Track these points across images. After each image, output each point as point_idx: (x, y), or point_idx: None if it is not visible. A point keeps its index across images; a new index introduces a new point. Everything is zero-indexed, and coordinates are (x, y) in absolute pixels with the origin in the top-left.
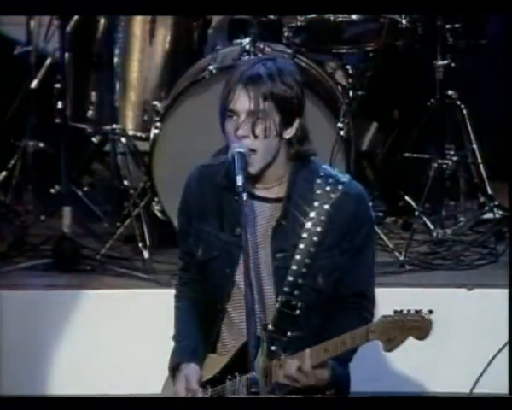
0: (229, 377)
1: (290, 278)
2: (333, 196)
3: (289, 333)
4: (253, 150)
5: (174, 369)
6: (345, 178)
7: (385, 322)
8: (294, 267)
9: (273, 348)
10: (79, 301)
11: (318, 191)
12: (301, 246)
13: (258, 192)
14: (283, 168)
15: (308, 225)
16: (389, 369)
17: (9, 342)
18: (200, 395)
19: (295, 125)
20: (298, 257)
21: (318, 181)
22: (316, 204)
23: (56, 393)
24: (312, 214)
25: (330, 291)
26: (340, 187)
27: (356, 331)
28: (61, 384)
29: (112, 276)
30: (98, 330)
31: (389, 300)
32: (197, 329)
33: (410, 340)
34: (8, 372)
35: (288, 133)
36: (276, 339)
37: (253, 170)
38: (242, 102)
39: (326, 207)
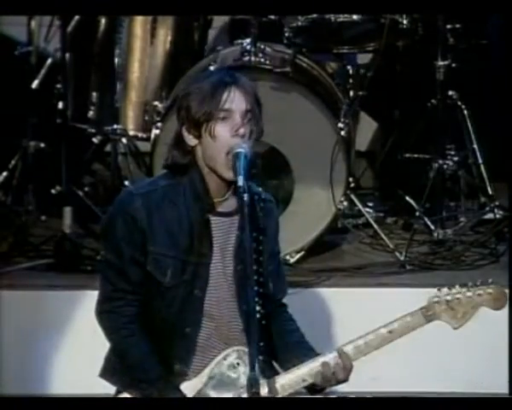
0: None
1: (255, 289)
2: (262, 204)
3: (261, 343)
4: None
5: None
6: (258, 187)
7: (446, 301)
8: (255, 278)
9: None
10: (80, 301)
11: (261, 204)
12: (254, 256)
13: (214, 207)
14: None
15: (254, 234)
16: (389, 369)
17: (9, 341)
18: None
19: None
20: (255, 267)
21: (255, 190)
22: (260, 214)
23: (56, 393)
24: (253, 224)
25: (276, 297)
26: (263, 196)
27: (407, 317)
28: (61, 384)
29: None
30: (98, 331)
31: (390, 300)
32: (160, 362)
33: (410, 341)
34: (8, 372)
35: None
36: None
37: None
38: (239, 101)
39: (260, 214)
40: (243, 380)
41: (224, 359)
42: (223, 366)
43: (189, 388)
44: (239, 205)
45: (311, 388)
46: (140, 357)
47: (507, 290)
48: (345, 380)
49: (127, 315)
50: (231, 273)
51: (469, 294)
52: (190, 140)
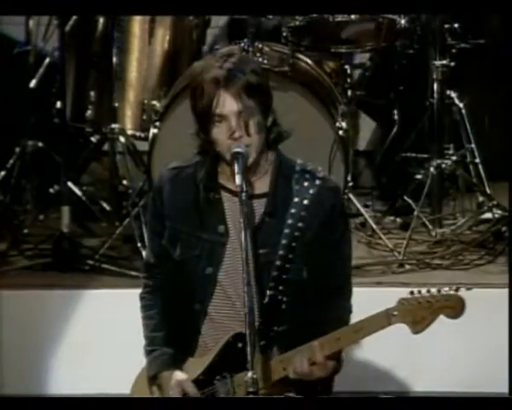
0: (217, 377)
1: (275, 274)
2: (311, 191)
3: (276, 328)
4: (247, 146)
5: (154, 378)
6: (321, 173)
7: (408, 304)
8: (278, 263)
9: (263, 342)
10: (78, 300)
11: (297, 187)
12: (284, 241)
13: (235, 188)
14: (263, 160)
15: (289, 220)
16: (389, 368)
17: (9, 341)
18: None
19: (272, 115)
20: (281, 252)
21: (296, 176)
22: (296, 200)
23: (56, 393)
24: (293, 210)
25: (312, 285)
26: (317, 182)
27: (373, 317)
28: (61, 384)
29: (111, 275)
30: (97, 330)
31: (388, 299)
32: (173, 334)
33: (410, 340)
34: (7, 372)
35: (269, 121)
36: (263, 335)
37: (247, 162)
38: (229, 104)
39: (305, 202)
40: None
41: (233, 339)
42: (230, 346)
43: (198, 363)
44: (239, 204)
45: (298, 389)
46: (149, 324)
47: (464, 300)
48: (323, 376)
49: (150, 286)
50: (252, 256)
51: (430, 299)
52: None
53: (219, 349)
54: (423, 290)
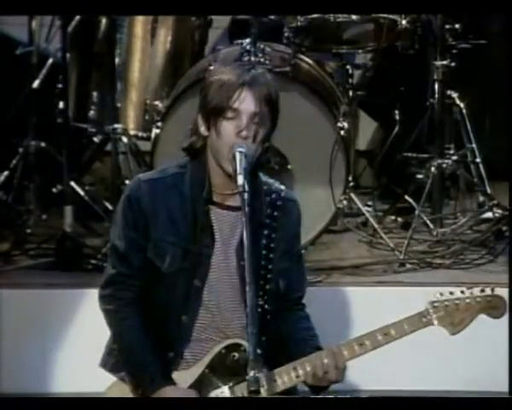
0: (209, 389)
1: (261, 282)
2: (279, 203)
3: (263, 338)
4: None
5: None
6: (282, 185)
7: (445, 306)
8: (262, 272)
9: (259, 351)
10: (81, 299)
11: (267, 198)
12: (263, 252)
13: (220, 199)
14: None
15: (265, 231)
16: (389, 368)
17: (10, 340)
18: None
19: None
20: (263, 263)
21: (264, 188)
22: (268, 211)
23: (57, 392)
24: (267, 221)
25: (286, 295)
26: (282, 194)
27: (405, 320)
28: (62, 383)
29: None
30: (99, 329)
31: (389, 298)
32: (154, 348)
33: (410, 340)
34: (8, 371)
35: (268, 141)
36: (259, 344)
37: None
38: (248, 102)
39: (276, 213)
40: (241, 371)
41: (223, 350)
42: (222, 357)
43: (185, 376)
44: (242, 205)
45: (312, 386)
46: (132, 342)
47: (506, 298)
48: (337, 380)
49: (124, 299)
50: (234, 267)
51: (468, 300)
52: (202, 129)
53: (210, 360)
54: (457, 291)
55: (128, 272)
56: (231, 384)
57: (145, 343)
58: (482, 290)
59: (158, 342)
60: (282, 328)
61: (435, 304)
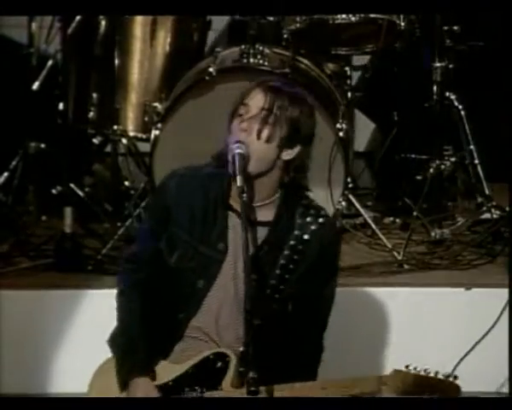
0: (187, 389)
1: (263, 302)
2: (312, 227)
3: (258, 354)
4: (248, 146)
5: (127, 382)
6: (324, 211)
7: (402, 377)
8: (269, 291)
9: (241, 369)
10: (80, 301)
11: (299, 221)
12: (277, 272)
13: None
14: (273, 189)
15: (286, 252)
16: (389, 368)
17: (11, 341)
18: None
19: (296, 150)
20: (273, 282)
21: (300, 210)
22: (296, 232)
23: (57, 392)
24: (292, 242)
25: (294, 318)
26: (320, 220)
27: (365, 379)
28: (62, 384)
29: (113, 276)
30: (99, 330)
31: (387, 299)
32: (150, 336)
33: (409, 340)
34: (8, 372)
35: (288, 154)
36: (243, 360)
37: (247, 166)
38: (258, 98)
39: (305, 237)
40: (217, 382)
41: (212, 356)
42: (207, 362)
43: (169, 368)
44: (241, 206)
45: None
46: (126, 323)
47: (460, 389)
48: None
49: (133, 279)
50: (242, 278)
51: (425, 381)
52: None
53: (197, 362)
54: (420, 369)
55: (141, 255)
56: (203, 390)
57: (138, 329)
58: (436, 374)
59: (151, 333)
60: (286, 349)
61: (397, 373)
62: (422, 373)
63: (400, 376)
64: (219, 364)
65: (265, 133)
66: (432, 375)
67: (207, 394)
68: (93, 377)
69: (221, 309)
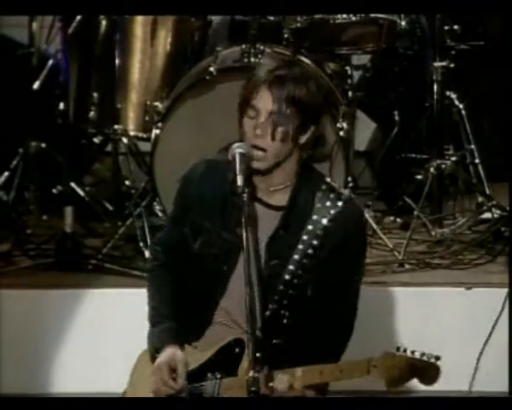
0: (209, 374)
1: (281, 288)
2: (332, 211)
3: (274, 341)
4: (264, 149)
5: (158, 352)
6: (346, 195)
7: (390, 359)
8: (287, 277)
9: (258, 354)
10: (81, 300)
11: (318, 205)
12: (296, 257)
13: (261, 195)
14: (290, 173)
15: (305, 237)
16: None
17: (11, 341)
18: (181, 383)
19: (310, 131)
20: (291, 267)
21: (319, 194)
22: (314, 217)
23: (57, 392)
24: (310, 227)
25: (315, 304)
26: (339, 203)
27: (355, 362)
28: (62, 384)
29: (113, 275)
30: (100, 330)
31: (388, 298)
32: (180, 315)
33: (409, 340)
34: (8, 372)
35: (303, 138)
36: (261, 346)
37: (262, 166)
38: (266, 101)
39: (324, 221)
40: (234, 369)
41: (234, 342)
42: (228, 348)
43: (191, 356)
44: (241, 205)
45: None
46: (157, 296)
47: (440, 371)
48: None
49: (159, 259)
50: (262, 264)
51: (412, 362)
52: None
53: (218, 349)
54: (409, 350)
55: (167, 241)
56: (219, 376)
57: (167, 302)
58: (422, 355)
59: (184, 312)
60: (306, 336)
61: (386, 355)
62: (409, 355)
63: (389, 358)
64: (237, 350)
65: (279, 134)
66: (417, 356)
67: (225, 380)
68: (134, 366)
69: (242, 295)
